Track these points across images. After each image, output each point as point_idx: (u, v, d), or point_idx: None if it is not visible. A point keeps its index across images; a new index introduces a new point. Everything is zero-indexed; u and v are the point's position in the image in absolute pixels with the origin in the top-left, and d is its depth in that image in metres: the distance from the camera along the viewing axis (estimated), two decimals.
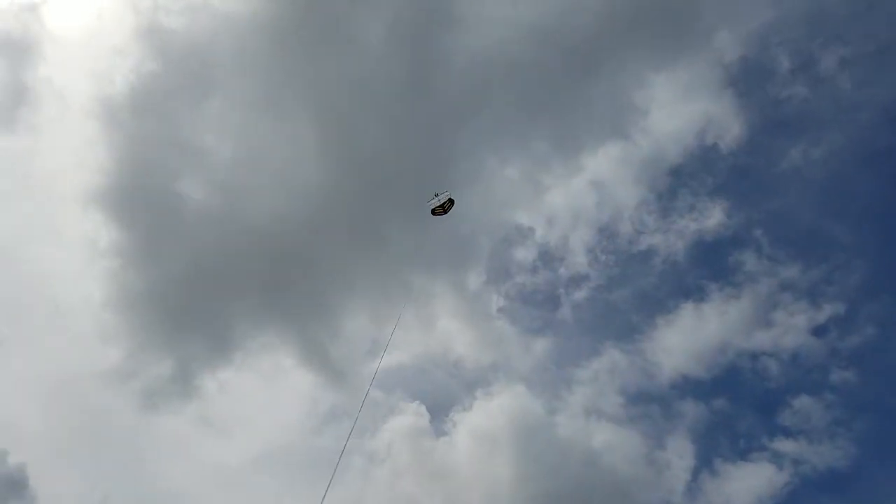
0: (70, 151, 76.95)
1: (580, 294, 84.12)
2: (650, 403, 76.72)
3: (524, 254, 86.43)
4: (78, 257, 75.38)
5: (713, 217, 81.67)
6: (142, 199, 71.06)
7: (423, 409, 75.34)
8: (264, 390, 75.51)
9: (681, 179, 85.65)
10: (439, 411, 78.79)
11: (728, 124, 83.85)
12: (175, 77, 73.97)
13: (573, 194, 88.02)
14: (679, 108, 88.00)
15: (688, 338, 79.20)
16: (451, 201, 50.05)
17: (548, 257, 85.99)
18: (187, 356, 70.01)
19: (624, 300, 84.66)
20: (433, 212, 50.21)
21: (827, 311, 74.65)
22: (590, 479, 70.91)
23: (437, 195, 49.65)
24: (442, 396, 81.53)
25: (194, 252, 69.63)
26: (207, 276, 69.23)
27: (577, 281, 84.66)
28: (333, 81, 75.56)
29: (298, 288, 69.97)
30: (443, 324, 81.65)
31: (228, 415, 71.91)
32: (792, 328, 75.33)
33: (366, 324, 75.10)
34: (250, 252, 68.90)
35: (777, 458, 68.90)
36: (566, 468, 71.23)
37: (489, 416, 75.52)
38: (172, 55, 74.23)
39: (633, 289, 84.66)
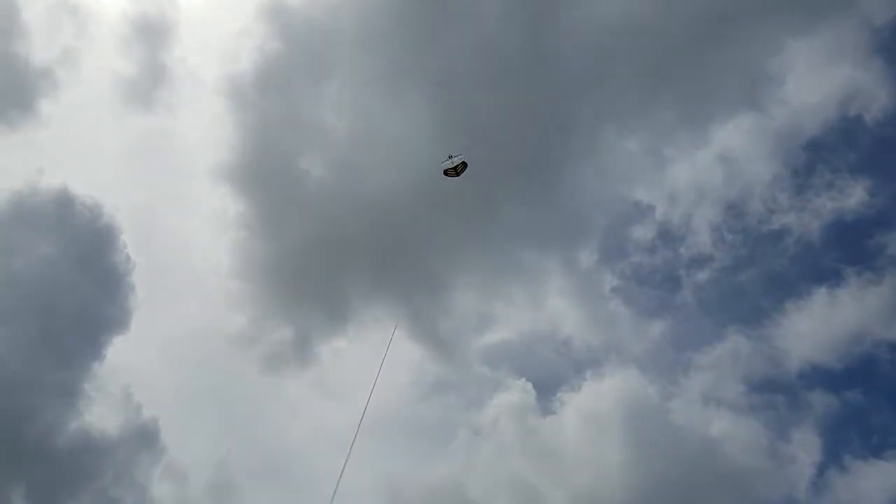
0: (202, 129, 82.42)
1: (703, 276, 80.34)
2: (775, 393, 73.09)
3: (642, 232, 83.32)
4: (208, 228, 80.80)
5: (854, 196, 75.55)
6: (265, 174, 74.69)
7: (529, 386, 75.14)
8: (375, 360, 77.70)
9: (819, 154, 79.92)
10: (546, 390, 78.37)
11: (874, 94, 77.01)
12: (296, 56, 76.73)
13: (699, 169, 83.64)
14: (819, 76, 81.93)
15: (820, 325, 74.39)
16: (463, 164, 48.82)
17: (668, 236, 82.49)
18: (306, 324, 73.71)
19: (751, 283, 79.98)
20: (445, 172, 49.11)
21: None
22: (705, 468, 68.56)
23: (450, 157, 48.78)
24: (549, 375, 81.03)
25: (313, 226, 72.37)
26: (325, 249, 71.73)
27: (699, 262, 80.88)
28: (451, 55, 75.43)
29: (410, 263, 71.06)
30: (552, 302, 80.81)
31: (341, 381, 75.01)
32: None
33: (474, 299, 75.76)
34: (365, 227, 70.57)
35: None
36: (680, 455, 69.09)
37: (599, 397, 74.25)
38: (294, 34, 76.98)
39: (761, 271, 79.75)
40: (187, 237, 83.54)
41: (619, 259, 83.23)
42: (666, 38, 76.49)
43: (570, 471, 70.07)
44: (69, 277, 67.29)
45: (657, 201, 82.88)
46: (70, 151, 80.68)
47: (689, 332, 79.97)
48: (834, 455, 68.60)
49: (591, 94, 76.37)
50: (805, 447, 69.14)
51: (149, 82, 79.75)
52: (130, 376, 68.64)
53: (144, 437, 65.07)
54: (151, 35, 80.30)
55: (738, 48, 77.81)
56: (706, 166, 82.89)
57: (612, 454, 69.77)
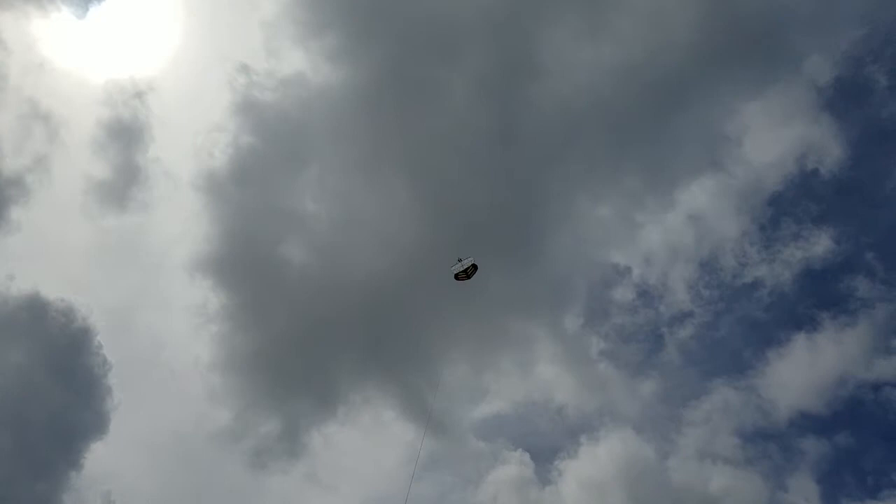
0: (178, 224, 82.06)
1: (685, 332, 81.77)
2: (768, 442, 73.25)
3: (622, 293, 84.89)
4: (187, 323, 79.13)
5: (820, 244, 78.55)
6: (245, 265, 74.59)
7: (526, 457, 74.19)
8: (366, 442, 76.17)
9: (782, 208, 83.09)
10: (543, 459, 77.17)
11: (828, 148, 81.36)
12: (272, 147, 78.34)
13: (669, 230, 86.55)
14: (774, 135, 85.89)
15: (803, 371, 75.68)
16: (474, 266, 50.11)
17: (647, 296, 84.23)
18: (294, 413, 71.96)
19: (732, 335, 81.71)
20: (456, 276, 50.06)
21: None
22: None
23: (460, 260, 49.97)
24: (546, 444, 79.97)
25: (297, 312, 72.06)
26: (310, 334, 71.31)
27: (680, 319, 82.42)
28: (423, 139, 78.30)
29: (397, 341, 70.83)
30: (542, 369, 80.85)
31: (333, 469, 73.05)
32: None
33: (465, 372, 75.24)
34: (350, 309, 70.64)
35: None
36: None
37: (596, 462, 73.66)
38: (267, 127, 78.84)
39: (740, 323, 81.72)
40: (165, 333, 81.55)
41: (603, 321, 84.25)
42: (626, 108, 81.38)
43: None
44: (43, 384, 65.51)
45: (634, 263, 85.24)
46: (41, 256, 79.32)
47: (678, 388, 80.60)
48: (832, 500, 68.84)
49: (562, 167, 79.88)
50: (804, 495, 69.23)
51: (122, 182, 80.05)
52: (111, 483, 66.16)
53: None
54: (124, 137, 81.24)
55: (695, 114, 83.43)
56: (676, 227, 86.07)
57: None
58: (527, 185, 78.37)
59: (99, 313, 72.81)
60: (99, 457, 65.86)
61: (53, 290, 69.47)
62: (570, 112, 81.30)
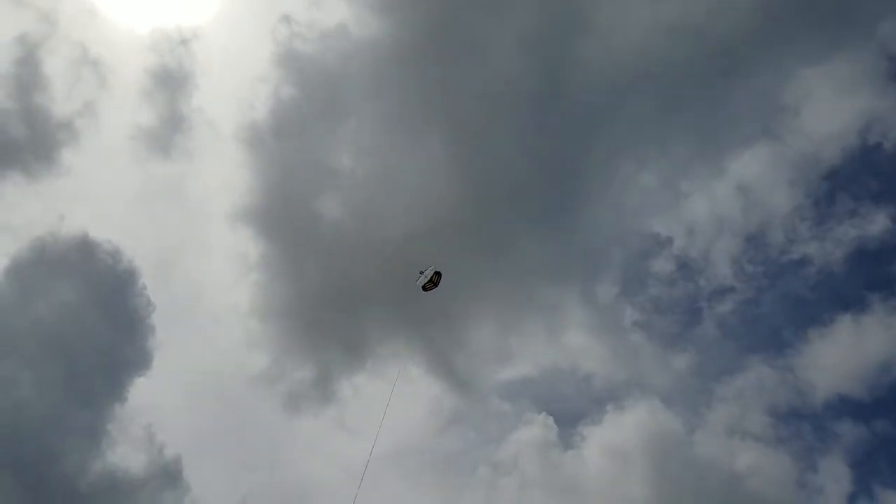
0: (220, 173, 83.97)
1: (724, 307, 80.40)
2: (801, 423, 72.84)
3: (662, 265, 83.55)
4: (227, 270, 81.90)
5: (877, 223, 76.18)
6: (283, 217, 76.03)
7: (550, 420, 74.95)
8: (393, 394, 78.05)
9: (839, 183, 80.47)
10: (567, 424, 77.94)
11: (894, 121, 77.33)
12: (311, 100, 78.66)
13: (716, 200, 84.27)
14: (836, 105, 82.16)
15: (845, 354, 74.07)
16: (437, 274, 49.58)
17: (688, 269, 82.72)
18: (326, 362, 74.22)
19: (773, 313, 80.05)
20: (424, 288, 49.70)
21: None
22: (733, 503, 67.73)
23: (422, 272, 49.34)
24: (570, 409, 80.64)
25: (331, 266, 73.23)
26: (343, 288, 72.24)
27: (720, 293, 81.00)
28: (465, 95, 77.27)
29: (427, 298, 71.45)
30: (571, 336, 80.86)
31: (360, 417, 75.15)
32: None
33: (490, 334, 75.90)
34: (382, 265, 71.26)
35: None
36: (706, 489, 68.45)
37: (621, 430, 73.91)
38: (308, 79, 79.08)
39: (783, 301, 79.88)
40: (206, 279, 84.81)
41: (639, 292, 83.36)
42: (679, 71, 78.29)
43: None
44: (91, 321, 68.52)
45: (675, 234, 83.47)
46: (90, 199, 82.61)
47: (712, 363, 79.78)
48: (864, 485, 68.04)
49: (606, 130, 77.84)
50: (834, 477, 68.49)
51: (167, 130, 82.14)
52: (152, 416, 69.33)
53: (167, 476, 65.61)
54: (170, 85, 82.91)
55: (753, 79, 79.67)
56: (724, 198, 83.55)
57: (635, 488, 69.22)
58: (569, 147, 77.10)
59: (143, 256, 76.24)
60: (141, 391, 69.00)
61: (101, 232, 72.30)
62: (620, 73, 78.79)
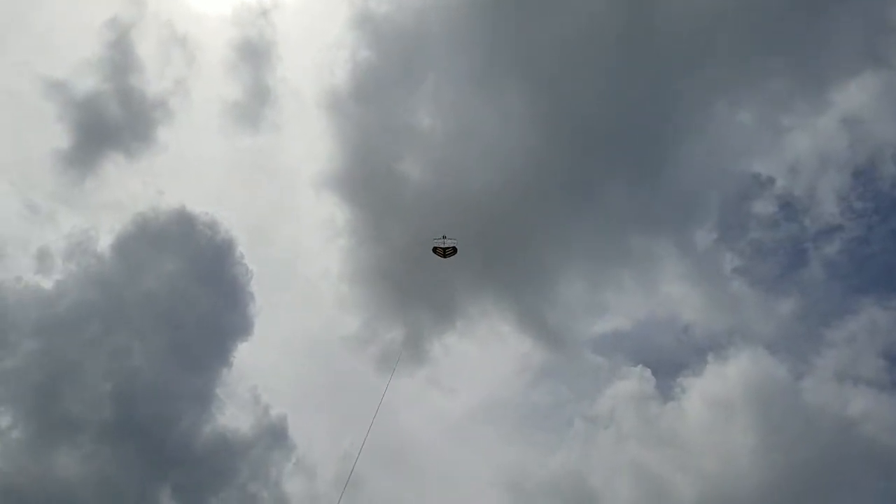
0: (305, 142, 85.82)
1: (832, 247, 76.38)
2: None
3: (763, 206, 79.84)
4: (317, 236, 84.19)
5: None
6: (367, 181, 76.66)
7: (647, 373, 73.70)
8: (483, 352, 78.83)
9: None
10: (666, 376, 76.42)
11: None
12: (388, 62, 78.22)
13: (820, 135, 79.42)
14: None
15: None
16: (454, 249, 50.73)
17: (791, 209, 78.60)
18: (416, 323, 74.95)
19: (886, 251, 75.37)
20: (434, 249, 51.06)
21: None
22: (844, 450, 65.29)
23: (444, 237, 50.95)
24: (668, 361, 79.00)
25: (416, 227, 73.10)
26: (429, 249, 72.63)
27: (827, 233, 76.73)
28: (544, 45, 74.79)
29: (515, 256, 70.96)
30: (667, 287, 78.74)
31: (452, 374, 76.78)
32: None
33: (582, 287, 74.79)
34: (467, 224, 70.81)
35: None
36: (815, 437, 66.12)
37: (724, 381, 71.95)
38: (383, 41, 78.60)
39: None
40: (298, 245, 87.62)
41: (739, 237, 79.98)
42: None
43: (696, 458, 68.15)
44: (194, 291, 71.40)
45: (777, 173, 79.44)
46: (186, 174, 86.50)
47: (820, 308, 76.16)
48: None
49: (697, 69, 73.94)
50: None
51: (255, 103, 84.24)
52: (257, 379, 72.70)
53: (274, 436, 68.98)
54: (254, 57, 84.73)
55: (852, 1, 73.34)
56: (829, 132, 78.74)
57: (740, 438, 67.43)
58: (658, 88, 73.65)
59: (239, 226, 79.16)
60: (245, 355, 71.91)
61: (198, 205, 75.14)
62: (709, 8, 74.24)
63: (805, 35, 75.43)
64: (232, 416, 67.14)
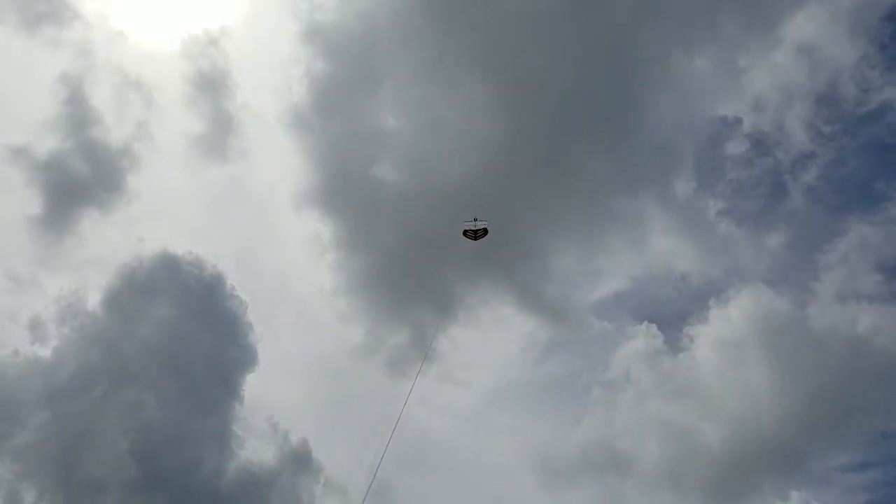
0: (276, 163, 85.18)
1: (808, 175, 77.48)
2: None
3: (735, 147, 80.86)
4: (304, 254, 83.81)
5: None
6: (344, 191, 76.51)
7: (653, 328, 74.40)
8: (489, 338, 79.29)
9: None
10: (672, 329, 77.06)
11: None
12: (345, 69, 77.69)
13: (778, 69, 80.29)
14: None
15: None
16: (485, 231, 50.06)
17: (762, 145, 79.50)
18: (418, 323, 75.02)
19: (861, 168, 76.54)
20: (464, 233, 50.27)
21: None
22: (859, 369, 66.26)
23: (475, 220, 49.84)
24: (672, 313, 79.82)
25: (402, 227, 73.41)
26: (418, 246, 72.46)
27: (801, 161, 77.83)
28: (492, 26, 74.63)
29: (503, 239, 70.81)
30: (657, 241, 79.30)
31: (463, 366, 77.09)
32: None
33: (574, 257, 75.12)
34: (450, 215, 70.77)
35: None
36: (829, 362, 67.06)
37: (729, 323, 72.69)
38: (337, 49, 77.97)
39: (868, 153, 76.31)
40: (287, 267, 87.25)
41: (717, 180, 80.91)
42: None
43: (716, 403, 68.90)
44: (192, 332, 70.70)
45: (742, 113, 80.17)
46: (163, 216, 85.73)
47: (808, 234, 77.28)
48: None
49: (650, 22, 73.98)
50: None
51: (219, 133, 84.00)
52: (271, 407, 72.59)
53: (299, 461, 68.71)
54: (210, 87, 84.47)
55: None
56: (785, 64, 79.75)
57: (755, 376, 68.20)
58: (614, 50, 73.87)
59: (225, 259, 78.86)
60: (255, 386, 71.69)
61: (180, 246, 74.61)
62: None
63: None
64: (253, 449, 67.00)
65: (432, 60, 76.22)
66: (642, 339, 74.90)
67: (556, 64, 72.59)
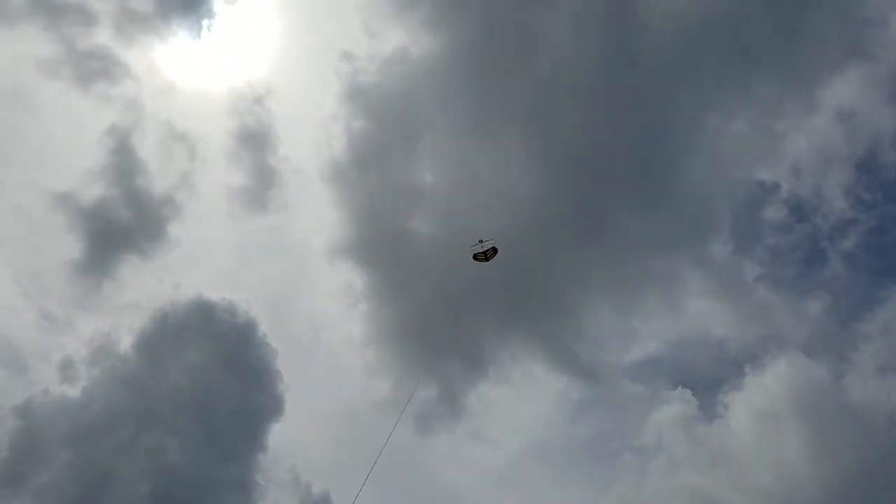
0: (313, 215, 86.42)
1: (848, 241, 75.62)
2: None
3: (773, 212, 79.70)
4: (336, 304, 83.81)
5: None
6: (379, 244, 76.90)
7: (688, 394, 72.55)
8: (520, 396, 77.77)
9: None
10: (707, 394, 75.07)
11: None
12: (384, 127, 79.36)
13: (816, 134, 79.65)
14: None
15: None
16: (494, 250, 49.37)
17: (801, 210, 78.33)
18: (448, 378, 74.38)
19: None
20: (475, 257, 49.64)
21: None
22: None
23: (481, 241, 49.29)
24: (707, 379, 77.62)
25: (434, 281, 73.15)
26: (450, 301, 72.19)
27: (841, 228, 76.17)
28: (529, 87, 75.89)
29: (536, 295, 70.50)
30: (693, 304, 77.96)
31: (492, 423, 75.43)
32: None
33: (608, 317, 74.01)
34: (484, 270, 70.73)
35: None
36: (867, 436, 64.43)
37: (765, 391, 70.69)
38: (376, 107, 79.87)
39: None
40: (319, 316, 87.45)
41: (755, 244, 79.56)
42: (748, 10, 74.07)
43: (749, 473, 66.40)
44: (221, 378, 70.84)
45: (780, 178, 79.34)
46: (200, 263, 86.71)
47: (848, 302, 75.05)
48: None
49: (686, 86, 74.53)
50: None
51: (260, 186, 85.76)
52: (294, 458, 72.02)
53: None
54: (254, 142, 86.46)
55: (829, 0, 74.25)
56: (824, 129, 78.84)
57: (791, 447, 65.88)
58: (649, 113, 74.40)
59: (258, 307, 79.00)
60: (279, 435, 71.04)
61: (215, 292, 75.24)
62: (687, 26, 75.46)
63: (785, 38, 76.40)
64: (275, 500, 66.59)
65: (469, 120, 77.84)
66: (676, 405, 73.32)
67: (589, 123, 73.41)
